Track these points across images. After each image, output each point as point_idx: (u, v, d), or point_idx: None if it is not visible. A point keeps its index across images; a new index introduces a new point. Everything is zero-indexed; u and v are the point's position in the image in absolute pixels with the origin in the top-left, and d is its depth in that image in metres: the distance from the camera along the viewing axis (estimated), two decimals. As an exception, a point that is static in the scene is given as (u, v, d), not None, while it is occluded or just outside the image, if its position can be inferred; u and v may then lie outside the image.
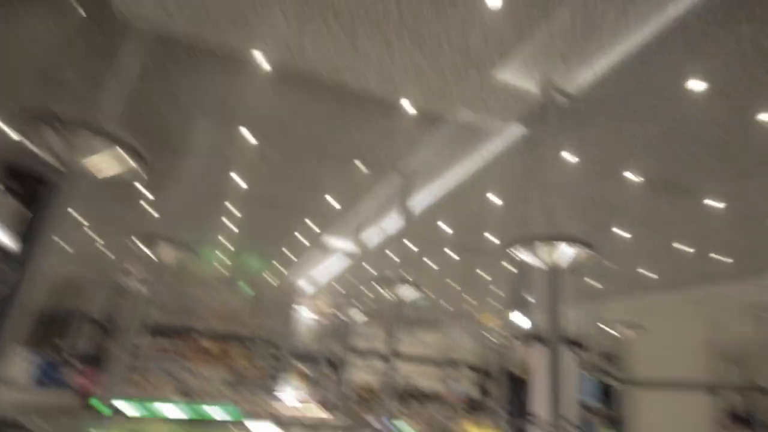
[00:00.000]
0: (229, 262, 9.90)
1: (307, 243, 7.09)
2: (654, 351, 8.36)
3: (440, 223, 5.04)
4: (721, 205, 3.87)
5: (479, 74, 2.84)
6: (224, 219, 6.36)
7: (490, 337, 10.62)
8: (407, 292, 4.48)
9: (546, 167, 3.46)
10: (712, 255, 4.90)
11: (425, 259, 6.63)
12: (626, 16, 2.25)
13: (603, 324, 6.96)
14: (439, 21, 2.45)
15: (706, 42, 2.39)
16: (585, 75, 2.84)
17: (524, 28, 2.35)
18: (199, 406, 7.83)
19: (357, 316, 9.67)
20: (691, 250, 4.78)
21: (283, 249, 8.12)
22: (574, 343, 6.19)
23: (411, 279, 4.46)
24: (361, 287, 7.85)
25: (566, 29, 2.41)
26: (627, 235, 4.80)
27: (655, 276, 5.68)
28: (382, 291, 4.48)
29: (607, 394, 8.63)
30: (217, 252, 9.05)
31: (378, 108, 3.38)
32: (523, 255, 3.07)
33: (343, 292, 10.49)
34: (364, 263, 7.14)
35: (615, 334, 6.62)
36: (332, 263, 8.71)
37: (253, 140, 3.95)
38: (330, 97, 3.31)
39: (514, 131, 3.59)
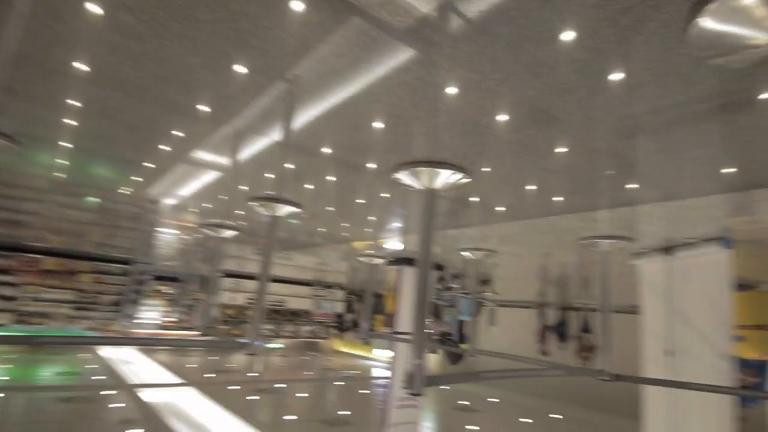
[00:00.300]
0: (74, 171, 8.41)
1: (172, 154, 6.30)
2: (504, 274, 9.74)
3: (321, 141, 4.82)
4: (565, 149, 4.37)
5: None
6: (66, 119, 5.22)
7: (362, 260, 11.12)
8: (282, 212, 4.28)
9: (432, 90, 3.46)
10: (553, 194, 5.60)
11: (303, 179, 6.43)
12: None
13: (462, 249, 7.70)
14: None
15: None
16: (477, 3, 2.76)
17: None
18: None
19: (227, 234, 9.23)
20: (534, 188, 5.39)
21: (145, 163, 7.12)
22: (437, 266, 6.81)
23: (288, 198, 4.26)
24: (233, 205, 7.38)
25: None
26: (488, 168, 5.17)
27: (503, 208, 6.33)
28: (257, 209, 4.21)
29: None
30: (58, 159, 7.57)
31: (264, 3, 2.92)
32: (404, 178, 3.09)
33: (213, 209, 9.82)
34: (237, 179, 6.66)
35: (470, 257, 7.39)
36: (202, 178, 8.00)
37: (100, 11, 3.16)
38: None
39: (405, 49, 3.46)
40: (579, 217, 6.23)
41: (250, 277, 13.08)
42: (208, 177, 7.76)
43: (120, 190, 9.85)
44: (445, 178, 2.97)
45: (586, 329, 8.88)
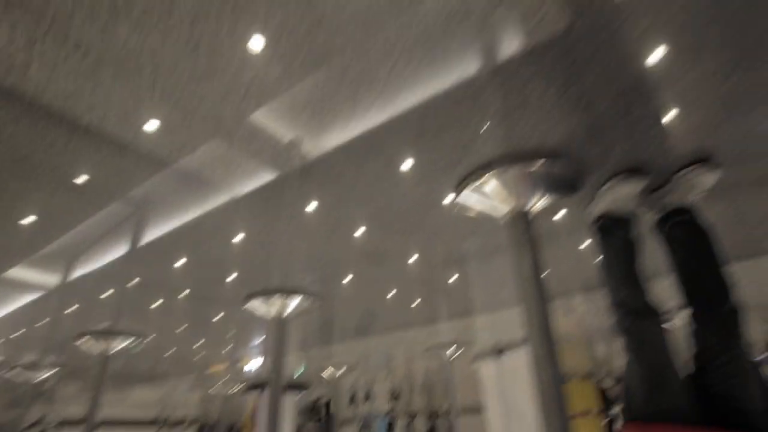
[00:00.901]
0: None
1: None
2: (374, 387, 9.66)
3: (169, 264, 4.65)
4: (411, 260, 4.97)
5: (235, 116, 2.74)
6: None
7: (217, 388, 10.04)
8: (118, 343, 3.89)
9: (283, 220, 3.74)
10: (411, 305, 6.14)
11: (150, 297, 5.91)
12: (373, 96, 2.45)
13: (329, 365, 7.63)
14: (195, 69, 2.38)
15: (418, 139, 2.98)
16: (331, 140, 3.04)
17: (290, 78, 2.23)
18: None
19: (44, 372, 7.63)
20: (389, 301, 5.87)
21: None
22: (297, 387, 6.56)
23: (126, 327, 3.91)
24: (59, 336, 6.30)
25: (330, 90, 2.41)
26: (349, 290, 5.53)
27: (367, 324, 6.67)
28: (87, 342, 3.76)
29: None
30: None
31: (113, 143, 2.96)
32: (255, 306, 3.18)
33: (28, 339, 8.13)
34: (69, 306, 5.82)
35: (325, 376, 7.35)
36: (22, 302, 6.71)
37: None
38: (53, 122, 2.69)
39: (260, 178, 3.66)
40: (425, 329, 6.83)
41: (76, 422, 10.59)
42: (26, 299, 6.59)
43: None
44: (295, 304, 3.16)
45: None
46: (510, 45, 1.93)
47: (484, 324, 6.39)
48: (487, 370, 5.33)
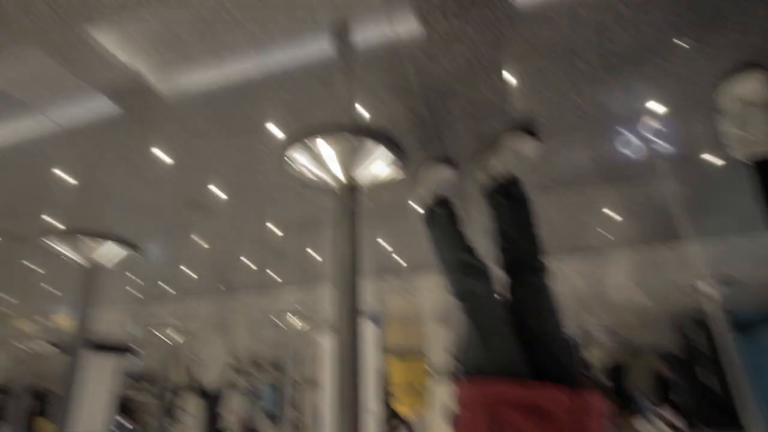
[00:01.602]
0: None
1: None
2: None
3: None
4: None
5: (64, 27, 2.29)
6: None
7: (23, 346, 8.65)
8: None
9: (132, 157, 3.29)
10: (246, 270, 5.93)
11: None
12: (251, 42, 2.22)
13: (153, 327, 7.09)
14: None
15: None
16: (190, 77, 2.73)
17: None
18: None
19: None
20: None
21: None
22: (120, 348, 5.97)
23: None
24: None
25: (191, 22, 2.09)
26: (204, 245, 5.15)
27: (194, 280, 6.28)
28: None
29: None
30: None
31: None
32: (63, 248, 2.78)
33: None
34: None
35: (164, 338, 6.88)
36: None
37: None
38: None
39: (102, 105, 3.15)
40: (265, 294, 6.73)
41: None
42: None
43: None
44: (111, 252, 2.85)
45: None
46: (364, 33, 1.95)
47: (328, 295, 6.55)
48: (324, 342, 5.49)
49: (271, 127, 2.95)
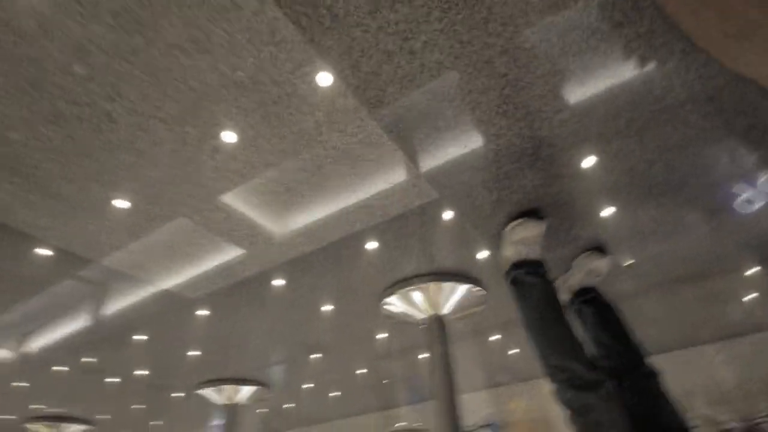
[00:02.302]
0: None
1: None
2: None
3: (126, 344, 4.64)
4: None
5: (204, 197, 3.02)
6: None
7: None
8: (71, 429, 3.87)
9: (243, 309, 3.90)
10: (352, 398, 6.12)
11: (104, 383, 5.77)
12: None
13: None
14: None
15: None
16: (295, 223, 3.32)
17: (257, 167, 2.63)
18: None
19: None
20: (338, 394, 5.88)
21: None
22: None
23: (78, 412, 3.90)
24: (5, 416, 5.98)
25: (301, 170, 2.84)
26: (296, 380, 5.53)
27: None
28: (32, 428, 3.74)
29: None
30: None
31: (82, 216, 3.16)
32: (208, 393, 3.31)
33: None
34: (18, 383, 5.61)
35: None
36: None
37: None
38: None
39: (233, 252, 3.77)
40: (379, 415, 6.81)
41: None
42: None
43: None
44: (247, 393, 3.30)
45: None
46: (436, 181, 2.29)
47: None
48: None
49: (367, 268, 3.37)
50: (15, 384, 5.79)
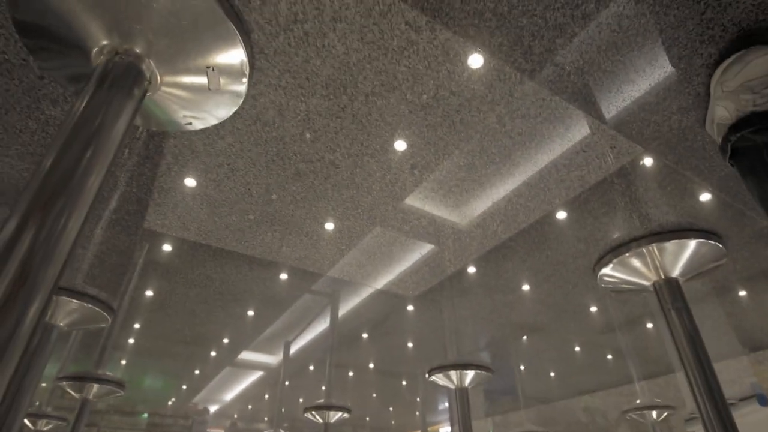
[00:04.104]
0: (129, 388, 8.98)
1: (220, 359, 6.92)
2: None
3: (361, 343, 5.42)
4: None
5: (391, 205, 3.42)
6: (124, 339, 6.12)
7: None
8: (335, 415, 4.69)
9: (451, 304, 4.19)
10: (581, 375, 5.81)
11: (348, 379, 6.84)
12: None
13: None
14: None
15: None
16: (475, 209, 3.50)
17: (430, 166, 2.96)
18: None
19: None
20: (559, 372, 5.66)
21: (195, 371, 7.73)
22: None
23: (342, 404, 4.70)
24: (283, 410, 7.65)
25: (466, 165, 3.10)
26: (518, 361, 5.55)
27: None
28: (311, 417, 4.66)
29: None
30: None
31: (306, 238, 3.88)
32: (439, 379, 3.64)
33: (255, 412, 9.92)
34: (285, 383, 7.12)
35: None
36: (250, 383, 8.43)
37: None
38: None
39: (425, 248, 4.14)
40: (617, 391, 6.30)
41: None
42: (253, 378, 8.18)
43: (169, 403, 10.22)
44: (471, 376, 3.52)
45: None
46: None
47: (676, 384, 5.63)
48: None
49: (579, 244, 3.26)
50: (286, 383, 7.31)
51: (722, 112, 1.34)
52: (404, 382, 7.05)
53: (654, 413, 5.23)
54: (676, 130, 1.58)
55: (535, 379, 6.16)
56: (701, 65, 1.35)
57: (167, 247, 2.33)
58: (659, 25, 1.25)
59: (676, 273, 1.97)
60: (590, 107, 1.50)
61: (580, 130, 1.59)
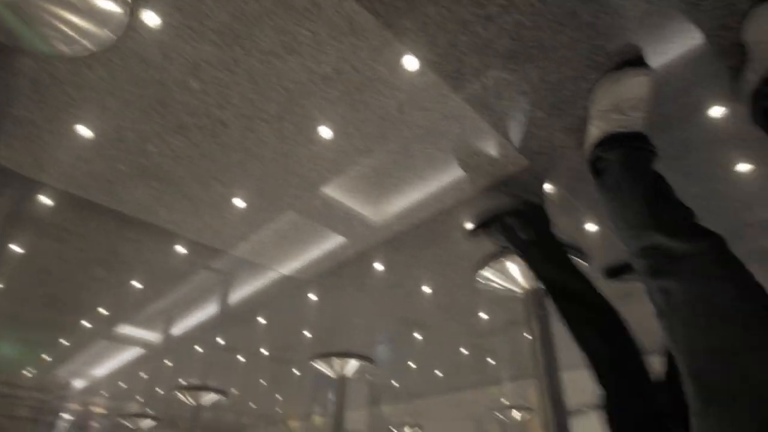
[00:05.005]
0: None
1: (92, 331, 6.26)
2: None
3: (248, 326, 5.22)
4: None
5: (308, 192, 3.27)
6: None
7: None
8: (209, 397, 4.47)
9: (348, 289, 4.18)
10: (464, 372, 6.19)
11: (233, 361, 6.57)
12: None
13: (391, 425, 7.77)
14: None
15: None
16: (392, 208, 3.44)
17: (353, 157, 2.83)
18: None
19: (144, 422, 8.52)
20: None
21: (59, 340, 6.91)
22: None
23: (214, 383, 4.49)
24: (157, 389, 7.13)
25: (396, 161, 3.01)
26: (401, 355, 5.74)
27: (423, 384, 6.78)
28: (180, 396, 4.38)
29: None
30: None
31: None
32: (321, 366, 3.62)
33: (130, 391, 9.16)
34: (164, 360, 6.64)
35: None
36: (122, 357, 7.74)
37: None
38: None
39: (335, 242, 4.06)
40: (485, 390, 6.79)
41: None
42: (129, 355, 7.54)
43: (24, 372, 9.04)
44: (353, 366, 3.54)
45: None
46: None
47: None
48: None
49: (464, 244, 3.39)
50: (165, 361, 6.83)
51: (595, 132, 1.41)
52: (295, 370, 6.95)
53: (517, 414, 5.73)
54: (558, 149, 1.70)
55: (417, 375, 6.40)
56: (586, 89, 1.45)
57: (18, 189, 2.01)
58: (553, 43, 1.31)
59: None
60: (485, 112, 1.54)
61: (474, 132, 1.63)
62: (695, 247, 1.00)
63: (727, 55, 1.36)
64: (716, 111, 1.55)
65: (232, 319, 5.13)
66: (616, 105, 1.34)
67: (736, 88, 1.43)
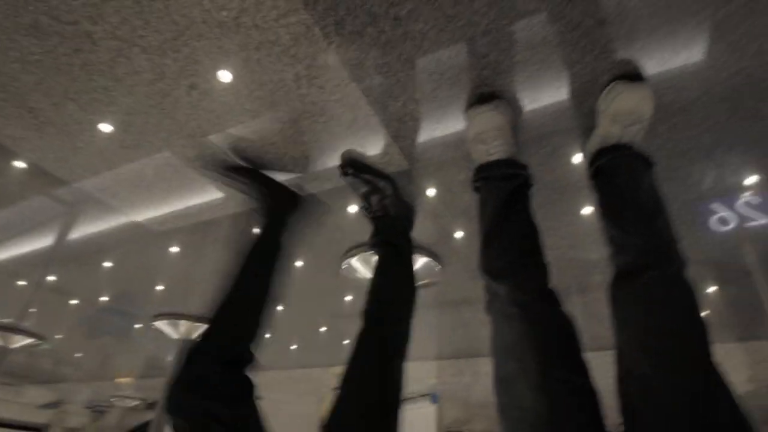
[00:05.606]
0: None
1: None
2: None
3: (87, 269, 4.64)
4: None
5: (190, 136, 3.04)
6: None
7: (117, 400, 9.59)
8: (21, 339, 3.92)
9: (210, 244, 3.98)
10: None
11: (61, 304, 5.81)
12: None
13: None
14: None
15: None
16: None
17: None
18: None
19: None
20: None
21: None
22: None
23: (35, 326, 3.95)
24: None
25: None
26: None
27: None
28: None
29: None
30: None
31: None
32: (163, 326, 3.40)
33: None
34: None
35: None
36: None
37: None
38: None
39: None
40: (334, 370, 7.06)
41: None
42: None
43: None
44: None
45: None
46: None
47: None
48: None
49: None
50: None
51: (474, 158, 1.53)
52: (136, 326, 6.40)
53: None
54: (437, 161, 1.83)
55: (270, 346, 6.36)
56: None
57: None
58: (447, 63, 1.40)
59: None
60: (379, 109, 1.59)
61: (365, 125, 1.67)
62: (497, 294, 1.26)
63: (586, 117, 1.60)
64: (577, 158, 1.81)
65: (69, 258, 4.53)
66: (479, 136, 1.47)
67: (585, 146, 1.64)
